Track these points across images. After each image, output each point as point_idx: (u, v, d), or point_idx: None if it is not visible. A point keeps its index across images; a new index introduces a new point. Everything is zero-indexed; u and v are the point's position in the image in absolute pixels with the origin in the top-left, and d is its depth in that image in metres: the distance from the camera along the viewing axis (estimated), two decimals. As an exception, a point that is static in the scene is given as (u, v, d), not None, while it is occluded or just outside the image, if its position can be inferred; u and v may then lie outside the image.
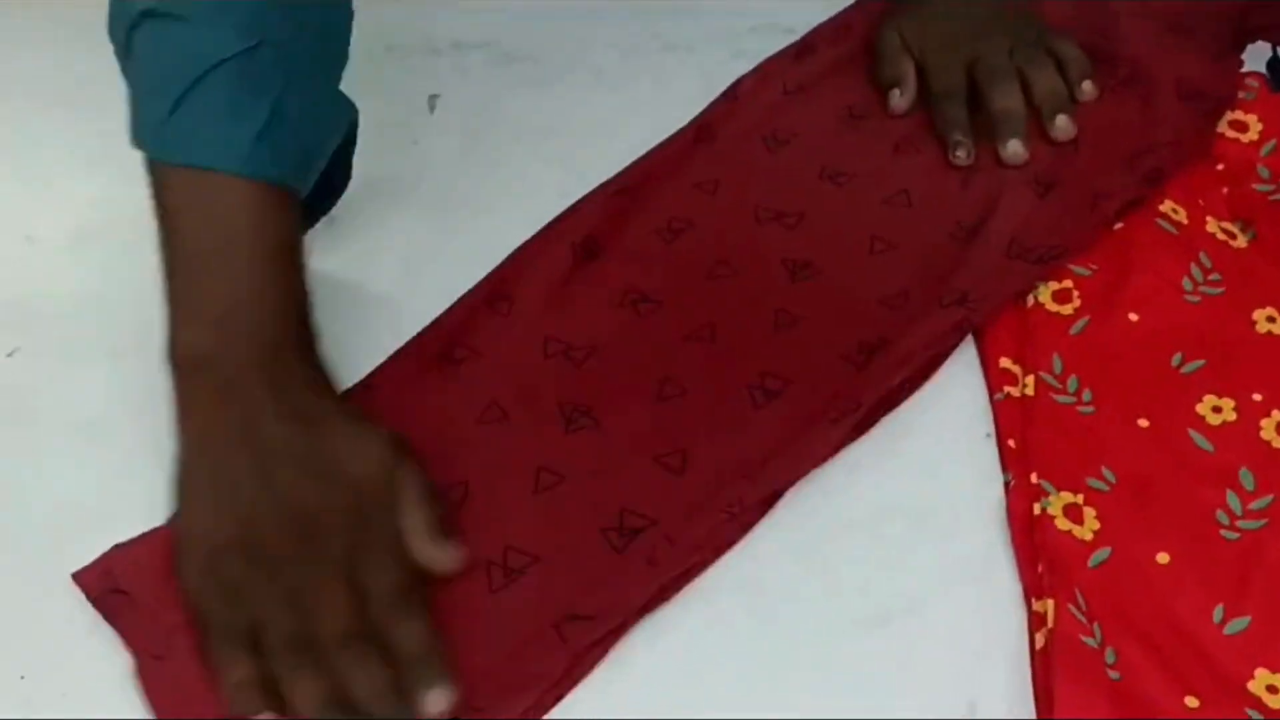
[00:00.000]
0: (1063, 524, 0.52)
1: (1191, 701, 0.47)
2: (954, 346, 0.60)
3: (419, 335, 0.61)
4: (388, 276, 0.65)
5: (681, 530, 0.53)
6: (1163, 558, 0.51)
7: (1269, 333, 0.60)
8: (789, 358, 0.59)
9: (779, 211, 0.66)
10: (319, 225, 0.64)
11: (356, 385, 0.59)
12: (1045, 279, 0.62)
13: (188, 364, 0.52)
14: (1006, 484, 0.55)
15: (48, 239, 0.67)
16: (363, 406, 0.57)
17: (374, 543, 0.49)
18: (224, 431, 0.50)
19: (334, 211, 0.64)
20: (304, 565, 0.48)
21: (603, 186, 0.68)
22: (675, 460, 0.56)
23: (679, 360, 0.60)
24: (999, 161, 0.68)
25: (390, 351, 0.61)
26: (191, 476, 0.51)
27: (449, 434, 0.57)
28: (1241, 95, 0.70)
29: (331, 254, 0.65)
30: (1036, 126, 0.69)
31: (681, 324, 0.61)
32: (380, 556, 0.49)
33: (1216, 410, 0.56)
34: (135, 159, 0.54)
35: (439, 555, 0.50)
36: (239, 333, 0.52)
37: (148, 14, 0.53)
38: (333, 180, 0.62)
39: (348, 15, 0.59)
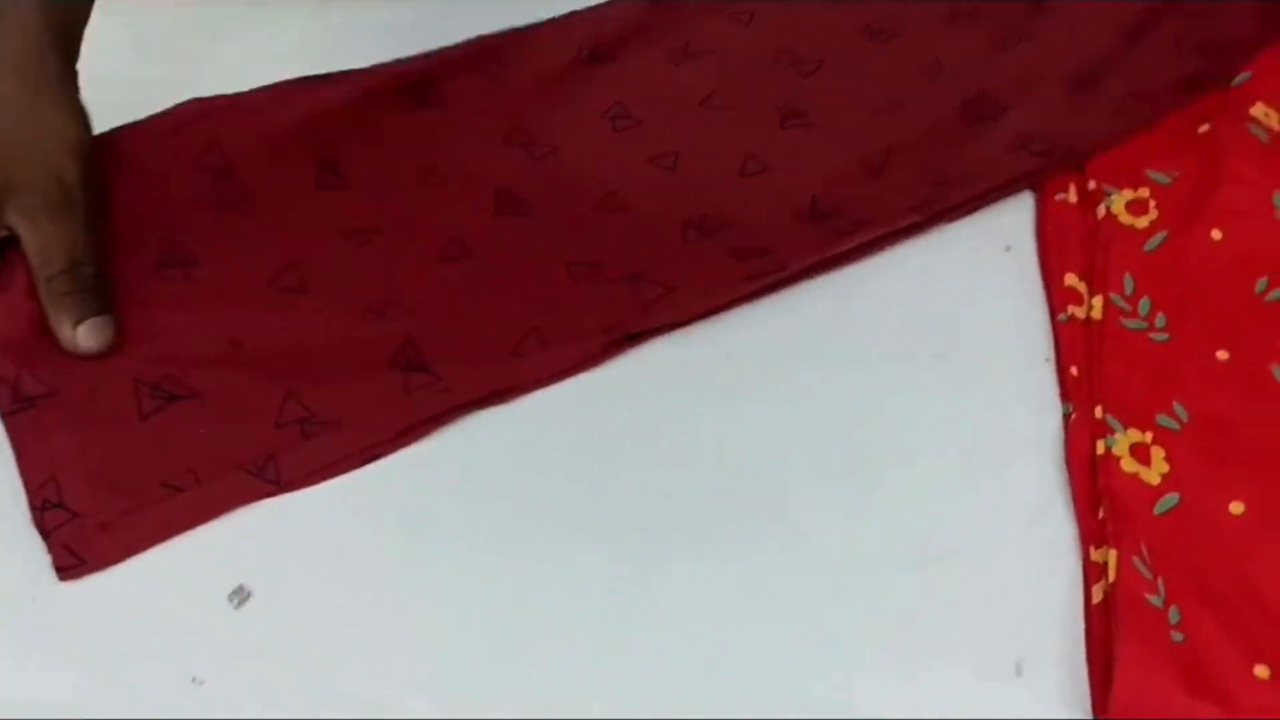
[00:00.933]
0: (1129, 465, 0.47)
1: (1261, 671, 0.43)
2: (908, 224, 0.55)
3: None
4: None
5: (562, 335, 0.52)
6: (1236, 508, 0.47)
7: (1367, 259, 0.54)
8: (738, 203, 0.57)
9: (800, 57, 0.64)
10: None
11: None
12: (1048, 171, 0.57)
13: None
14: (1066, 416, 0.50)
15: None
16: None
17: None
18: None
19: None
20: None
21: None
22: (582, 269, 0.54)
23: (632, 182, 0.58)
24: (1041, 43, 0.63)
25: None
26: None
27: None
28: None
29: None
30: (1093, 13, 0.63)
31: (649, 147, 0.59)
32: None
33: (1305, 344, 0.51)
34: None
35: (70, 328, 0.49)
36: None
37: None
38: None
39: None
